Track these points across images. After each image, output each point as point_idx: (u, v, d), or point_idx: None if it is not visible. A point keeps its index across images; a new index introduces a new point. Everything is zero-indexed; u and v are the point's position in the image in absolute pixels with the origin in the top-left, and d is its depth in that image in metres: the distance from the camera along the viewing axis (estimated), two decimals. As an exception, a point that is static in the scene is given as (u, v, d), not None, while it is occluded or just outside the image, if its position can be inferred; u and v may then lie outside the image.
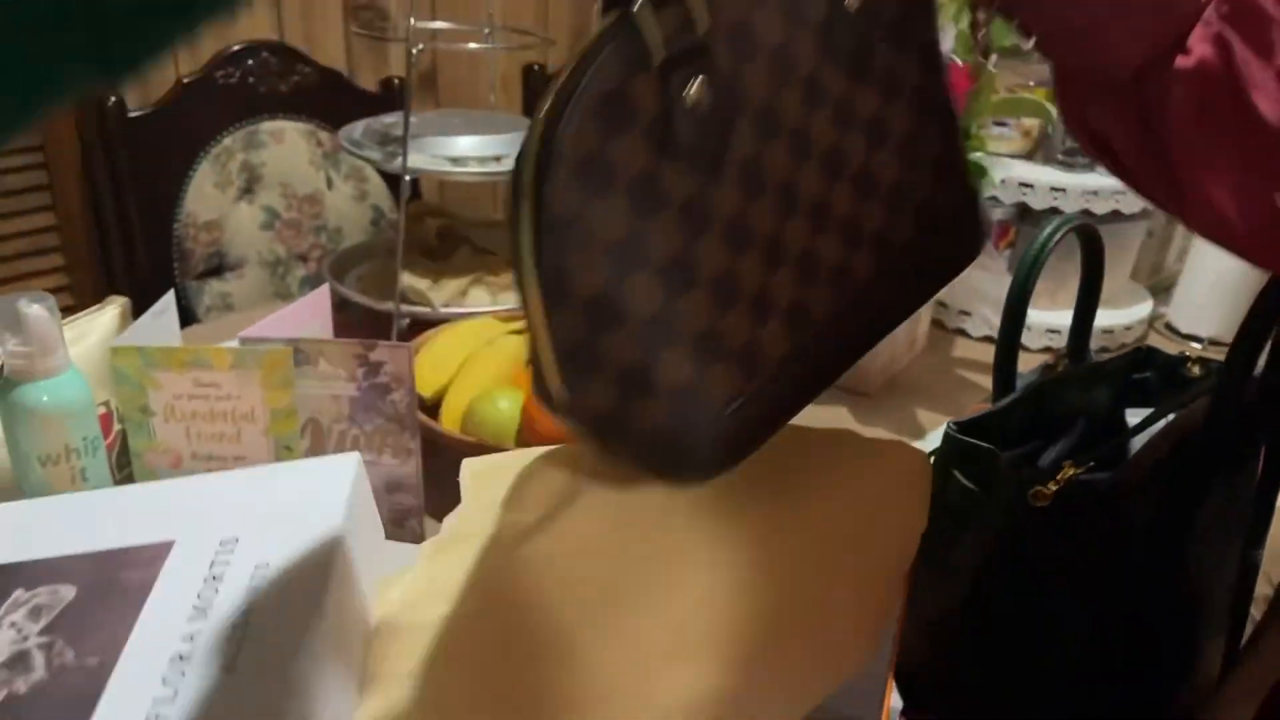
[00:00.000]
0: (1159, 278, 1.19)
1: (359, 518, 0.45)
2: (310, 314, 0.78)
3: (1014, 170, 1.03)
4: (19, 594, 0.39)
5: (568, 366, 0.30)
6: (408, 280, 0.95)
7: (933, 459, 0.49)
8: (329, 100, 1.36)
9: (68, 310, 0.64)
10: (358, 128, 1.04)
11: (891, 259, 0.40)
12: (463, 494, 0.45)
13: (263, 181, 1.32)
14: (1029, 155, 1.08)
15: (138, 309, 0.69)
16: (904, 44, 0.38)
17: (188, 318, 1.26)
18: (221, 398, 0.60)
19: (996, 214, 1.05)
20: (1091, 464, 0.46)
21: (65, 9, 0.19)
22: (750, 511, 0.41)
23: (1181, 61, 0.32)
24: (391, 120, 1.05)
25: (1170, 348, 0.61)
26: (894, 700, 0.53)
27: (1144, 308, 1.09)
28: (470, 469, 0.47)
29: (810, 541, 0.41)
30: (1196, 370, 0.56)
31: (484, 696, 0.36)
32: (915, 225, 0.40)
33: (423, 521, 0.67)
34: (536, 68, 1.61)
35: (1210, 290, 1.06)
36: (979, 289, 1.05)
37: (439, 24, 1.06)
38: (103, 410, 0.64)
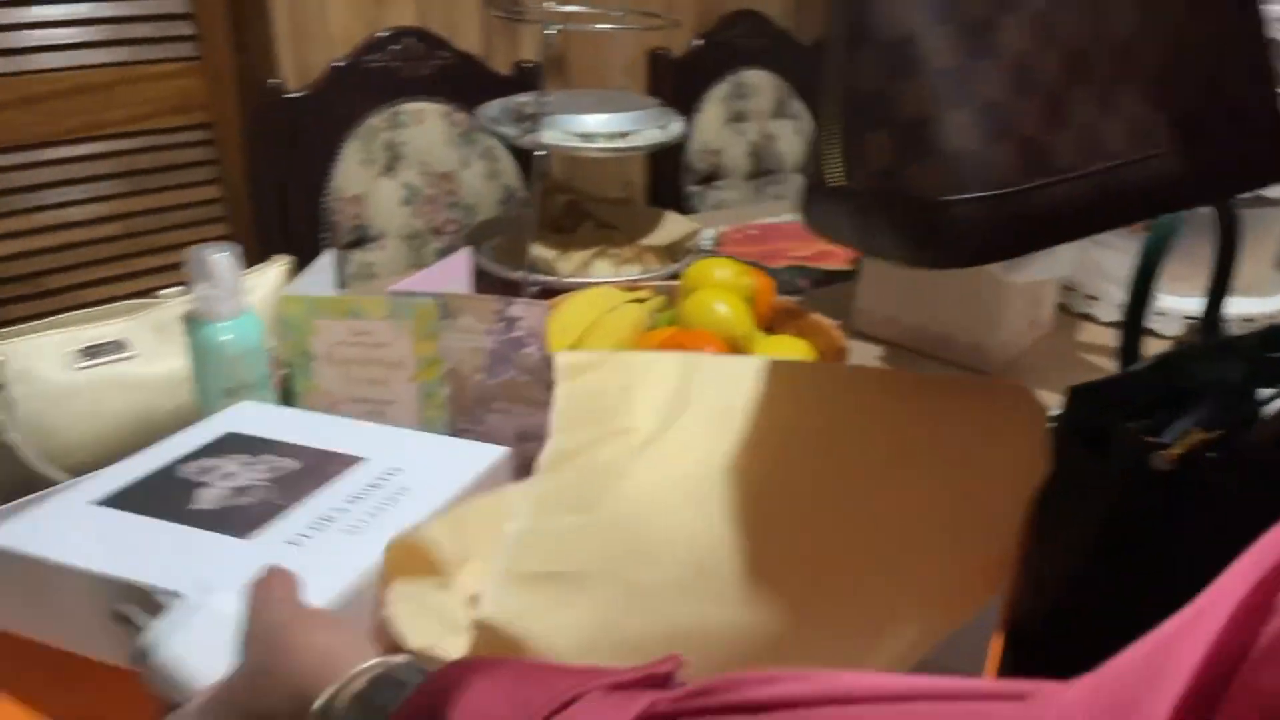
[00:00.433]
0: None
1: (484, 486, 0.60)
2: (450, 276, 0.83)
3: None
4: (267, 456, 0.60)
5: (855, 120, 0.31)
6: (537, 250, 1.01)
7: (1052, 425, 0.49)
8: (465, 83, 1.43)
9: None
10: (494, 106, 1.10)
11: (1193, 140, 0.39)
12: (557, 387, 0.50)
13: (404, 160, 1.40)
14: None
15: (292, 274, 0.76)
16: None
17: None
18: (374, 345, 0.66)
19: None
20: (1220, 434, 0.45)
21: None
22: (867, 444, 0.43)
23: None
24: (525, 99, 1.10)
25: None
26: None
27: (1288, 296, 1.04)
28: (565, 360, 0.51)
29: (929, 474, 0.43)
30: (1334, 349, 0.54)
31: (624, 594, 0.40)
32: (1226, 120, 0.40)
33: (550, 470, 0.71)
34: (660, 52, 1.65)
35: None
36: (1108, 271, 1.02)
37: (571, 7, 1.11)
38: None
